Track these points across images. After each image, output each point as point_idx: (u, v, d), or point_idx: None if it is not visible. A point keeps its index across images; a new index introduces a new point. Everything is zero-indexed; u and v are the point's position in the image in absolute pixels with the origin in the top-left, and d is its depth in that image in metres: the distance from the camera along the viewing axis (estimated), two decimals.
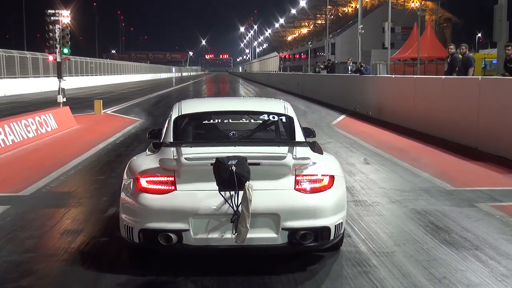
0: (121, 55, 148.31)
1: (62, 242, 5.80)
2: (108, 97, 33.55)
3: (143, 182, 4.85)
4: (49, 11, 18.74)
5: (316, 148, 5.38)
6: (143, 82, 76.76)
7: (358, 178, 9.01)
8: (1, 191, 8.09)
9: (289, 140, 5.46)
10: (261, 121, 5.89)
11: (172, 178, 4.79)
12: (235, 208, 4.54)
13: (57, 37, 18.73)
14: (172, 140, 5.36)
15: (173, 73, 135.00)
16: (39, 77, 43.10)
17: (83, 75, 57.34)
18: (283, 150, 4.91)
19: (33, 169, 9.84)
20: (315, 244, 4.82)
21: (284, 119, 5.81)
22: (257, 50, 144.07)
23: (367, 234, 6.00)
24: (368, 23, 55.13)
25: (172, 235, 4.65)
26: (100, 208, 7.17)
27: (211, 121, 5.93)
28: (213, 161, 4.56)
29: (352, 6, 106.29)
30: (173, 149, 4.95)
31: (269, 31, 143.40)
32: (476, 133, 11.49)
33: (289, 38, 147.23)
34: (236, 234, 4.55)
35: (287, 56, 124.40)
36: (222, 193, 4.57)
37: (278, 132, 5.99)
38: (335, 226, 4.88)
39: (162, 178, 4.81)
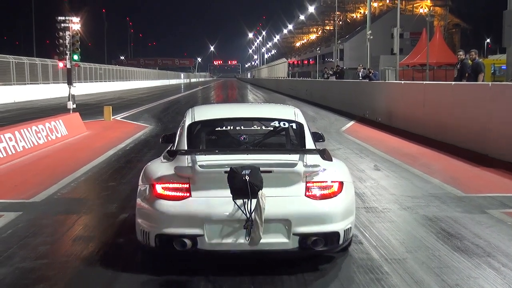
0: (130, 61, 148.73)
1: (74, 249, 5.83)
2: (117, 103, 33.67)
3: (158, 188, 4.97)
4: (59, 18, 18.82)
5: (325, 155, 5.39)
6: (152, 88, 76.99)
7: (369, 185, 8.99)
8: (12, 198, 8.13)
9: (300, 147, 5.64)
10: (272, 128, 6.05)
11: (187, 185, 4.91)
12: (248, 215, 4.64)
13: (67, 44, 18.80)
14: (186, 146, 5.49)
15: (181, 79, 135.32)
16: (48, 83, 43.33)
17: (93, 81, 57.59)
18: (294, 157, 5.05)
19: (44, 176, 9.88)
20: (325, 248, 4.97)
21: (294, 125, 5.90)
22: (266, 56, 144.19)
23: (378, 241, 5.99)
24: (376, 28, 55.12)
25: (187, 240, 4.78)
26: (111, 214, 7.19)
27: (223, 127, 6.18)
28: (227, 169, 4.69)
29: (360, 12, 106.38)
30: (187, 156, 5.09)
31: (278, 37, 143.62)
32: (487, 139, 11.44)
33: (298, 44, 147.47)
34: (249, 240, 4.67)
35: (295, 62, 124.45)
36: (238, 200, 4.68)
37: (288, 138, 6.12)
38: (344, 231, 5.01)
39: (177, 185, 4.94)
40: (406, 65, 51.10)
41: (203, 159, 4.96)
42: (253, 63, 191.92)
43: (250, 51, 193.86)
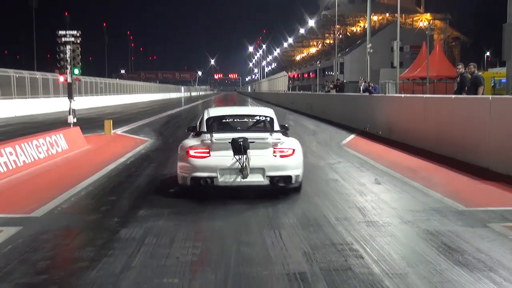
0: (131, 75, 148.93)
1: (75, 264, 5.82)
2: (118, 117, 33.72)
3: (191, 152, 8.70)
4: (59, 32, 18.87)
5: (286, 134, 9.58)
6: (153, 102, 77.13)
7: (370, 198, 8.99)
8: (13, 212, 8.13)
9: (270, 129, 9.48)
10: (254, 121, 10.33)
11: (208, 150, 8.66)
12: (242, 165, 8.43)
13: (67, 58, 18.83)
14: (205, 129, 9.22)
15: (182, 93, 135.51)
16: (49, 97, 43.40)
17: (93, 95, 57.67)
18: (266, 135, 8.90)
19: (44, 190, 9.88)
20: (284, 185, 8.78)
21: (268, 119, 9.90)
22: (266, 69, 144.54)
23: (379, 255, 5.98)
24: (377, 42, 55.27)
25: (208, 179, 8.55)
26: (112, 229, 7.18)
27: (226, 120, 9.91)
28: (230, 140, 8.45)
29: (360, 26, 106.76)
30: (207, 135, 8.81)
31: (278, 50, 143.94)
32: (487, 153, 11.45)
33: (298, 57, 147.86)
34: (242, 176, 8.46)
35: (296, 76, 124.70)
36: (236, 156, 8.46)
37: (265, 125, 9.94)
38: (295, 175, 8.78)
39: (202, 150, 8.69)
40: (407, 78, 51.19)
41: (216, 136, 8.68)
42: (253, 76, 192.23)
43: (251, 64, 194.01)
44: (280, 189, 8.82)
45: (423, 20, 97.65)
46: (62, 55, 18.90)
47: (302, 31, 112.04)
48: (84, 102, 48.81)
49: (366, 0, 35.69)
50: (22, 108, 37.34)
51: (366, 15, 38.54)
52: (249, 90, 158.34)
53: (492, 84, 40.68)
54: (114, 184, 10.65)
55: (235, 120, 10.09)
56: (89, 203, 9.01)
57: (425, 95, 20.93)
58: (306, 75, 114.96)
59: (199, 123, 9.70)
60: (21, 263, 5.81)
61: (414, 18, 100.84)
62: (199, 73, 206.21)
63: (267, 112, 10.20)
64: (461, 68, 15.91)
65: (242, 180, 8.48)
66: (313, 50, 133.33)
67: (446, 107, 13.92)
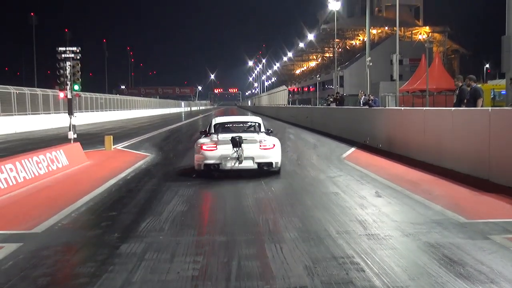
0: (131, 90, 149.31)
1: (75, 280, 5.81)
2: (118, 133, 33.77)
3: (204, 146, 12.45)
4: (59, 48, 18.95)
5: (270, 133, 13.64)
6: (153, 117, 77.25)
7: (370, 211, 8.98)
8: (13, 229, 8.13)
9: (258, 131, 13.57)
10: (247, 125, 14.26)
11: (215, 144, 12.41)
12: (238, 155, 12.23)
13: (67, 74, 18.89)
14: (213, 131, 13.24)
15: (182, 108, 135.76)
16: (49, 113, 43.51)
17: (94, 111, 57.80)
18: (255, 134, 13.07)
19: (44, 206, 9.88)
20: (268, 168, 12.64)
21: (257, 124, 14.01)
22: (266, 83, 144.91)
23: (381, 268, 5.97)
24: (376, 55, 55.46)
25: (216, 165, 12.35)
26: (112, 244, 7.18)
27: (227, 125, 14.04)
28: (230, 138, 12.20)
29: (359, 39, 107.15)
30: (214, 135, 12.87)
31: (278, 64, 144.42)
32: (488, 165, 11.45)
33: (298, 71, 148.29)
34: (238, 163, 12.25)
35: (295, 89, 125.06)
36: (234, 148, 12.19)
37: (255, 128, 13.88)
38: (275, 162, 12.65)
39: (211, 145, 12.46)
40: (406, 91, 51.34)
41: (220, 135, 12.76)
42: (253, 90, 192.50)
43: (251, 78, 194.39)
44: (265, 171, 12.90)
45: (422, 33, 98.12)
46: (62, 71, 18.96)
47: (301, 45, 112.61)
48: (85, 118, 48.90)
49: (365, 14, 35.88)
50: (23, 124, 37.43)
51: (365, 29, 38.70)
52: (249, 104, 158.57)
53: (492, 96, 40.79)
54: (114, 199, 10.65)
55: (234, 125, 14.42)
56: (90, 219, 9.01)
57: (424, 108, 20.98)
58: (306, 89, 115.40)
59: (209, 127, 13.78)
60: (21, 279, 5.81)
61: (413, 31, 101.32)
62: (199, 88, 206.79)
63: (256, 119, 14.74)
64: (457, 81, 15.98)
65: (238, 165, 12.48)
66: (312, 64, 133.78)
67: (446, 119, 13.94)
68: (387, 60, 51.60)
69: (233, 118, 15.59)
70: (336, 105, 33.01)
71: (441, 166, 13.51)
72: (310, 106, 63.07)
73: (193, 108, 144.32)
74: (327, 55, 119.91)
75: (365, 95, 29.31)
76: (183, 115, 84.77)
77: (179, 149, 22.02)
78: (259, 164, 12.58)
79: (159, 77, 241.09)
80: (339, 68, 69.02)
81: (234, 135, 12.50)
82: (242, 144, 12.31)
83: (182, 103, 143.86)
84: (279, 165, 12.99)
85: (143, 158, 18.02)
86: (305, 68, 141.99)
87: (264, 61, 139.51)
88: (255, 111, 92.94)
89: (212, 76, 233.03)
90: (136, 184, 12.47)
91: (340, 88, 63.01)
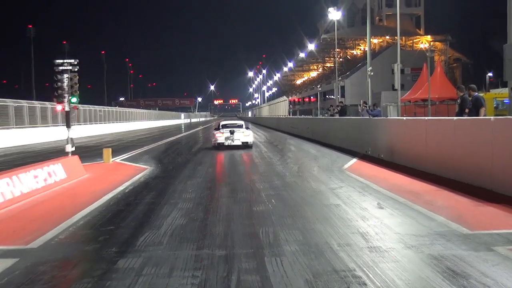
0: (130, 102, 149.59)
1: None
2: (117, 145, 33.78)
3: (216, 134, 27.84)
4: (57, 61, 18.92)
5: (247, 128, 28.76)
6: (152, 129, 77.30)
7: (372, 223, 8.94)
8: (9, 244, 8.09)
9: (242, 127, 28.71)
10: (237, 125, 29.33)
11: (222, 133, 27.53)
12: (232, 138, 27.29)
13: (65, 87, 18.86)
14: (220, 128, 28.40)
15: (181, 119, 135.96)
16: (48, 126, 43.52)
17: (92, 123, 57.84)
18: (241, 129, 28.35)
19: (41, 221, 9.85)
20: (247, 145, 27.60)
21: (243, 124, 29.35)
22: (266, 94, 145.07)
23: (383, 282, 5.93)
24: (377, 65, 55.56)
25: (221, 143, 27.34)
26: (110, 259, 7.14)
27: (227, 124, 29.01)
28: (229, 130, 27.56)
29: (360, 49, 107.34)
30: (221, 128, 28.34)
31: (278, 75, 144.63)
32: (491, 174, 11.42)
33: (298, 81, 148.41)
34: (232, 142, 27.20)
35: (296, 100, 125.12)
36: (231, 135, 27.28)
37: (241, 126, 28.83)
38: (250, 141, 28.11)
39: (220, 133, 27.65)
40: (408, 100, 51.35)
41: (223, 129, 28.01)
42: (254, 101, 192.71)
43: (251, 89, 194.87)
44: (245, 146, 26.93)
45: (424, 42, 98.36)
46: (59, 83, 18.93)
47: (302, 55, 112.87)
48: (83, 131, 48.92)
49: (365, 23, 35.96)
50: (21, 137, 37.43)
51: (366, 38, 38.77)
52: (249, 115, 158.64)
53: (495, 105, 40.79)
54: (112, 213, 10.61)
55: (230, 124, 28.86)
56: (87, 233, 8.97)
57: (426, 117, 20.95)
58: (307, 99, 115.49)
59: (218, 126, 28.89)
60: None
61: (415, 40, 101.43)
62: (199, 99, 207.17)
63: (241, 122, 29.68)
64: (460, 90, 15.99)
65: (232, 143, 26.86)
66: (313, 74, 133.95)
67: (448, 129, 13.92)
68: (388, 70, 51.58)
69: (230, 121, 30.79)
70: (339, 115, 32.99)
71: (443, 176, 13.48)
72: (311, 116, 63.04)
73: (193, 120, 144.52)
74: (328, 65, 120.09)
75: (365, 105, 29.19)
76: (183, 127, 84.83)
77: (179, 161, 21.99)
78: (243, 142, 27.29)
79: (158, 88, 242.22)
80: (340, 78, 69.12)
81: (230, 129, 27.71)
82: (234, 133, 27.20)
83: (182, 115, 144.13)
84: (251, 144, 28.30)
85: (142, 171, 17.99)
86: (306, 78, 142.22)
87: (264, 71, 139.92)
88: (256, 122, 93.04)
89: (212, 87, 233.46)
90: (134, 198, 12.44)
91: (342, 98, 63.05)
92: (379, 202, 10.90)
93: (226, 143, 26.79)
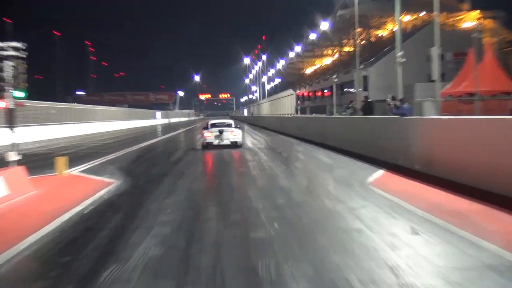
0: (91, 97, 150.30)
1: None
2: (74, 152, 33.84)
3: (204, 133, 34.99)
4: None
5: (237, 127, 36.11)
6: (120, 131, 77.39)
7: (404, 254, 8.92)
8: None
9: (231, 126, 36.25)
10: (226, 124, 37.12)
11: (211, 133, 34.61)
12: (221, 138, 34.39)
13: (8, 78, 18.78)
14: (209, 127, 35.72)
15: (158, 119, 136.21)
16: None
17: (43, 124, 57.76)
18: (230, 128, 35.78)
19: None
20: (237, 145, 34.60)
21: (233, 124, 36.88)
22: (267, 87, 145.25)
23: None
24: (409, 49, 55.60)
25: (210, 143, 34.37)
26: None
27: (216, 124, 36.69)
28: (218, 130, 34.88)
29: (387, 29, 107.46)
30: (210, 127, 35.56)
31: (282, 62, 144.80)
32: None
33: (308, 70, 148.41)
34: (221, 142, 34.34)
35: (305, 94, 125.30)
36: (219, 135, 34.40)
37: (230, 125, 36.66)
38: (239, 141, 35.12)
39: (209, 133, 34.65)
40: (449, 95, 51.37)
41: (212, 128, 35.25)
42: (251, 96, 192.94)
43: (247, 80, 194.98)
44: (234, 146, 33.91)
45: (469, 19, 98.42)
46: (0, 73, 18.86)
47: (313, 36, 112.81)
48: (31, 134, 48.91)
49: None
50: None
51: (395, 15, 38.82)
52: (245, 114, 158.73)
53: None
54: (68, 240, 10.60)
55: (219, 123, 36.55)
56: (35, 266, 8.95)
57: (474, 116, 20.95)
58: (319, 93, 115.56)
59: (207, 125, 36.33)
60: None
61: (457, 18, 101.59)
62: (180, 93, 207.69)
63: (230, 121, 37.76)
64: None
65: (220, 143, 33.73)
66: (327, 60, 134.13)
67: (503, 131, 13.90)
68: (423, 56, 51.63)
69: (218, 120, 38.04)
70: (363, 114, 33.03)
71: (497, 193, 13.45)
72: (325, 116, 63.10)
73: (173, 120, 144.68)
74: (346, 49, 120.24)
75: (394, 100, 29.17)
76: (159, 129, 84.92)
77: (153, 174, 22.00)
78: (232, 142, 33.52)
79: (128, 80, 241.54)
80: (361, 66, 69.23)
81: (219, 128, 34.01)
82: (223, 132, 33.47)
83: (159, 114, 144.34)
84: (241, 143, 34.63)
85: (106, 186, 17.97)
86: (317, 66, 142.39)
87: (264, 57, 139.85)
88: (253, 123, 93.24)
89: (197, 79, 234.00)
90: (96, 220, 12.42)
91: (364, 92, 63.12)
92: (413, 226, 10.89)
93: (215, 143, 33.88)
